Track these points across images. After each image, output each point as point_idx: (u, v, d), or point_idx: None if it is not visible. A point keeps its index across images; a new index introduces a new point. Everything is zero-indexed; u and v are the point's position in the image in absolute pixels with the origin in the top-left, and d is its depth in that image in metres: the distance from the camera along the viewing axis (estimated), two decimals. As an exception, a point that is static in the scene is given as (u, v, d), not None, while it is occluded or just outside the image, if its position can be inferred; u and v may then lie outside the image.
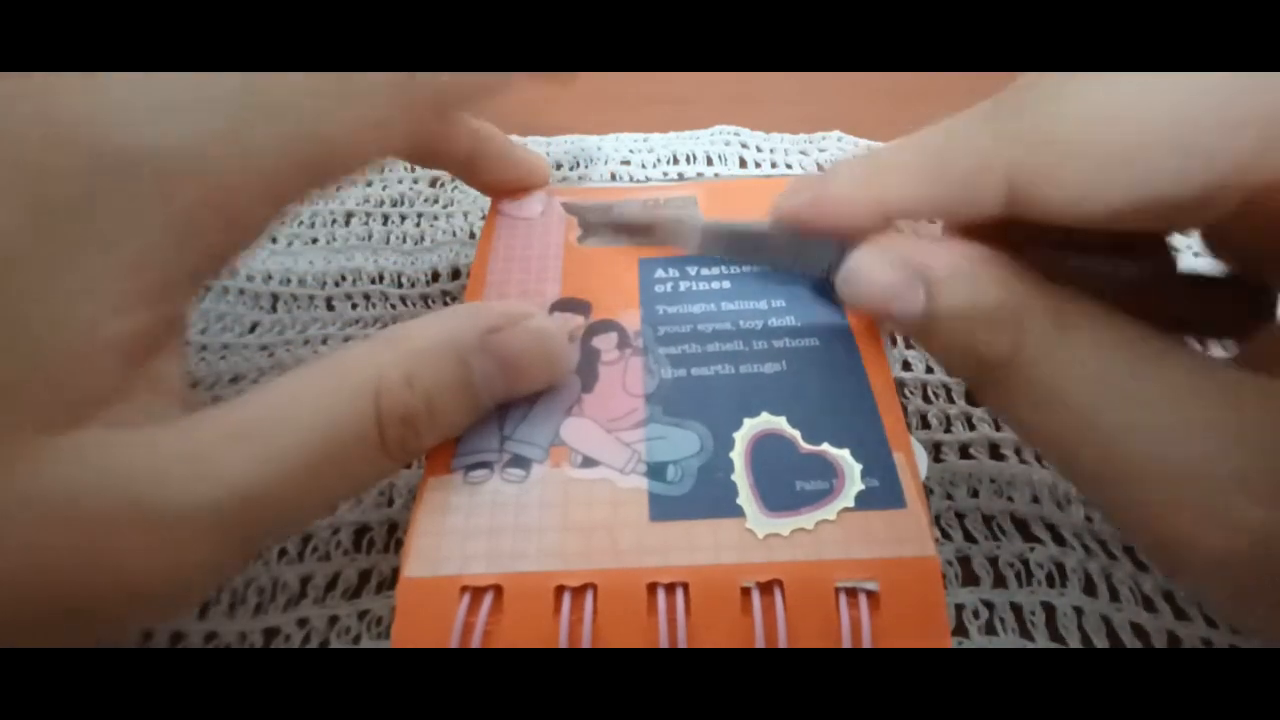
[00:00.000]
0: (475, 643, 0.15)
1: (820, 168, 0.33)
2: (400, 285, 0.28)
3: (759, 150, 0.34)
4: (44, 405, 0.13)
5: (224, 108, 0.15)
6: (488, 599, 0.16)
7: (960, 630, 0.19)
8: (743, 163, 0.33)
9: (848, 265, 0.17)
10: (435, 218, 0.31)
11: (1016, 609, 0.19)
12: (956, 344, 0.15)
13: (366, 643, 0.19)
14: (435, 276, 0.29)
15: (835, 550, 0.16)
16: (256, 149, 0.15)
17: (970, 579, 0.19)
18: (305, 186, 0.16)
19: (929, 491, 0.21)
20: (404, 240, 0.30)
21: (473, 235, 0.30)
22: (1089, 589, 0.19)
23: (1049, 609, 0.19)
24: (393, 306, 0.28)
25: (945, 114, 0.16)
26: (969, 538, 0.20)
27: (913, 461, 0.17)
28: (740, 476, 0.17)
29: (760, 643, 0.15)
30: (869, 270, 0.16)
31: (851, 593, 0.15)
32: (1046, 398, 0.14)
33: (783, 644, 0.15)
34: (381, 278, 0.29)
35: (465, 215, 0.31)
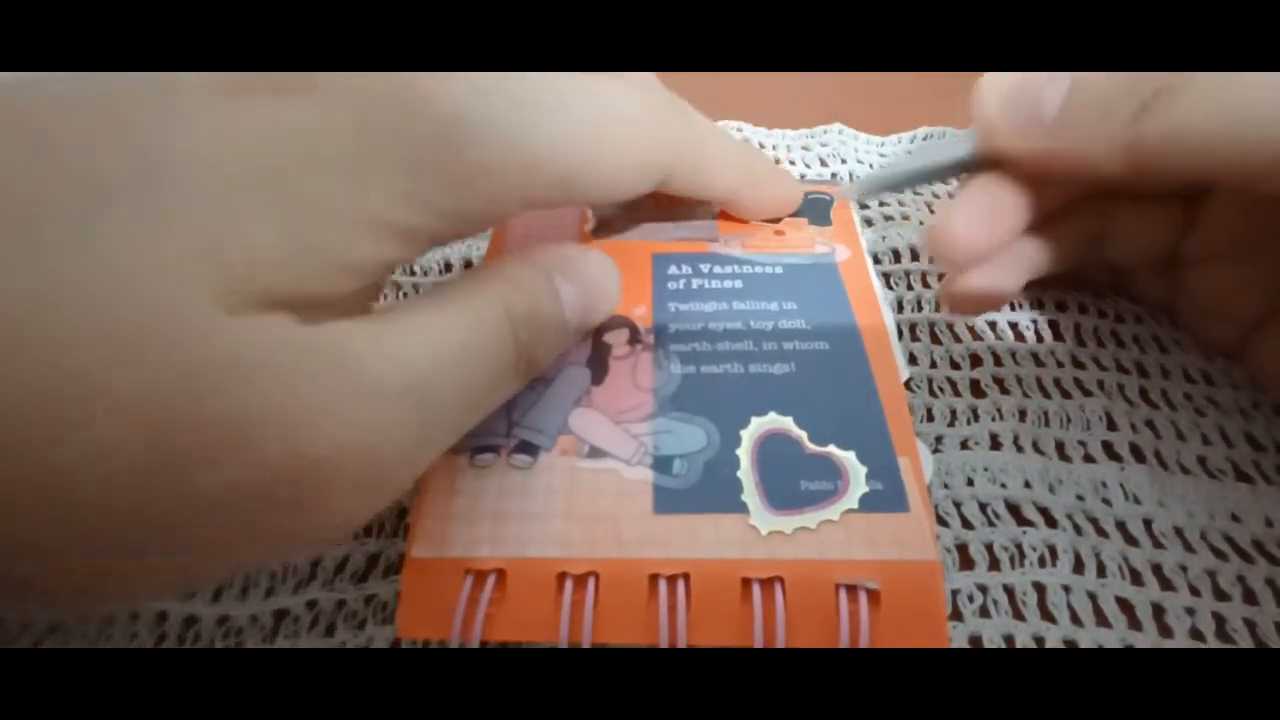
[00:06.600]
0: (477, 624, 0.15)
1: (823, 162, 0.32)
2: (413, 274, 0.27)
3: (761, 146, 0.33)
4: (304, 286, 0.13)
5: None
6: (491, 581, 0.15)
7: (955, 615, 0.18)
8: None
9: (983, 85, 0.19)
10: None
11: (1009, 590, 0.18)
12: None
13: (371, 627, 0.18)
14: (448, 267, 0.27)
15: (837, 550, 0.15)
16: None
17: (966, 564, 0.19)
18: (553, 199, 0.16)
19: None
20: (415, 232, 0.29)
21: (484, 227, 0.30)
22: (1078, 567, 0.18)
23: (1040, 589, 0.18)
24: (404, 297, 0.26)
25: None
26: (966, 524, 0.19)
27: (918, 467, 0.16)
28: (746, 473, 0.16)
29: (759, 637, 0.14)
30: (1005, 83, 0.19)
31: (852, 591, 0.15)
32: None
33: (781, 639, 0.14)
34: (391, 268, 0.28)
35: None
